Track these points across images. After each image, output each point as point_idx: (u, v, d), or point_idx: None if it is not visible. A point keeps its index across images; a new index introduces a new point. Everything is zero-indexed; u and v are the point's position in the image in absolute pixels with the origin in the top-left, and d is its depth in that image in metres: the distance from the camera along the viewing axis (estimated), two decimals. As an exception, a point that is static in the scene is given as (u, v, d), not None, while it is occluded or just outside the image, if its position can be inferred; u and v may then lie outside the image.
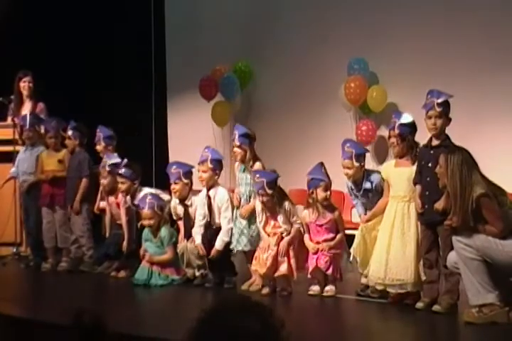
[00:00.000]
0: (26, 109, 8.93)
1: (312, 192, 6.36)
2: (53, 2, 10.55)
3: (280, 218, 6.42)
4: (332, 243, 6.32)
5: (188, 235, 6.99)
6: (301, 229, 6.51)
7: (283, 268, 6.36)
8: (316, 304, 6.22)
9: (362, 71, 9.15)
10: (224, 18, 10.66)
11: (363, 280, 6.28)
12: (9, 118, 8.88)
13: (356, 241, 6.15)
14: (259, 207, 6.50)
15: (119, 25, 10.70)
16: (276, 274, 6.40)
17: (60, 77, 10.19)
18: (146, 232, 7.18)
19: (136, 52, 10.86)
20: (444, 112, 5.69)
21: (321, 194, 6.32)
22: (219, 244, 6.76)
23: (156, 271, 7.04)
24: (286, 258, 6.36)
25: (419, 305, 5.70)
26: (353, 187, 6.36)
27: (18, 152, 8.39)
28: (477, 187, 5.08)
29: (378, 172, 6.36)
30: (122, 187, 7.43)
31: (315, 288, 6.36)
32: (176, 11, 11.28)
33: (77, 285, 7.28)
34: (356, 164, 6.25)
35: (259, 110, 9.36)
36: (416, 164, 5.84)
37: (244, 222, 6.70)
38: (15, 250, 8.42)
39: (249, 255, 6.76)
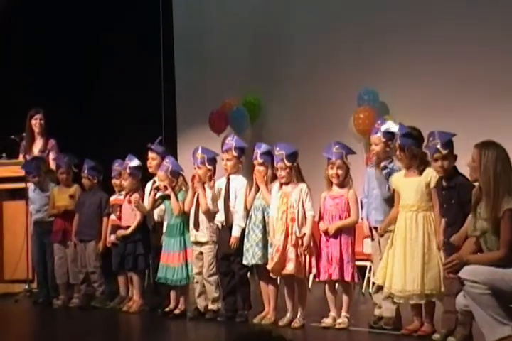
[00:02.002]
0: (38, 146, 9.00)
1: (326, 168, 6.42)
2: (59, 40, 10.70)
3: (294, 196, 6.39)
4: (340, 223, 6.27)
5: (197, 223, 6.93)
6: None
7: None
8: (330, 336, 6.16)
9: (371, 102, 9.19)
10: (233, 51, 10.76)
11: (376, 312, 6.23)
12: (21, 156, 8.92)
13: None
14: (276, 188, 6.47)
15: (129, 59, 10.82)
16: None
17: (70, 111, 10.30)
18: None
19: (146, 87, 10.95)
20: (450, 152, 5.66)
21: (328, 171, 6.36)
22: (236, 230, 6.69)
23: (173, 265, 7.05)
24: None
25: (436, 336, 5.62)
26: (373, 165, 6.33)
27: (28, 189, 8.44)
28: (510, 198, 4.95)
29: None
30: None
31: (327, 321, 6.30)
32: (185, 45, 11.39)
33: (89, 322, 7.26)
34: (383, 139, 6.23)
35: (269, 143, 9.35)
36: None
37: (260, 235, 6.61)
38: (27, 287, 8.40)
39: (261, 270, 6.68)
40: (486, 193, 5.00)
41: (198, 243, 6.97)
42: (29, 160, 8.50)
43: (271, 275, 6.48)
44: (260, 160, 6.65)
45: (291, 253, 6.32)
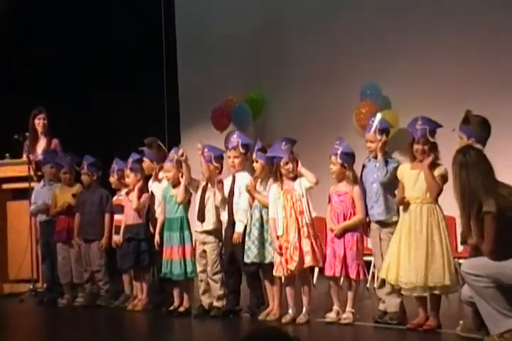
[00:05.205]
0: (41, 146, 9.00)
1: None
2: (59, 39, 10.71)
3: (297, 190, 6.40)
4: (346, 223, 6.25)
5: (201, 217, 6.93)
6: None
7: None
8: (334, 332, 6.14)
9: (374, 96, 9.15)
10: (235, 47, 10.74)
11: (381, 307, 6.21)
12: (24, 156, 8.91)
13: None
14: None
15: (131, 56, 10.82)
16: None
17: (72, 110, 10.30)
18: (167, 187, 7.21)
19: (149, 85, 10.94)
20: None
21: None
22: (239, 226, 6.71)
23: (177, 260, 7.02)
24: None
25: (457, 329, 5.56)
26: (370, 158, 6.32)
27: (33, 189, 8.42)
28: (487, 201, 4.92)
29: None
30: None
31: (332, 316, 6.29)
32: (188, 43, 11.39)
33: (94, 320, 7.26)
34: (379, 137, 6.22)
35: (272, 139, 9.34)
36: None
37: (256, 233, 6.60)
38: (32, 286, 8.40)
39: (265, 268, 6.66)
40: (457, 200, 5.04)
41: (203, 233, 6.94)
42: (47, 152, 8.54)
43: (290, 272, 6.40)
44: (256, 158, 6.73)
45: (306, 246, 6.32)
